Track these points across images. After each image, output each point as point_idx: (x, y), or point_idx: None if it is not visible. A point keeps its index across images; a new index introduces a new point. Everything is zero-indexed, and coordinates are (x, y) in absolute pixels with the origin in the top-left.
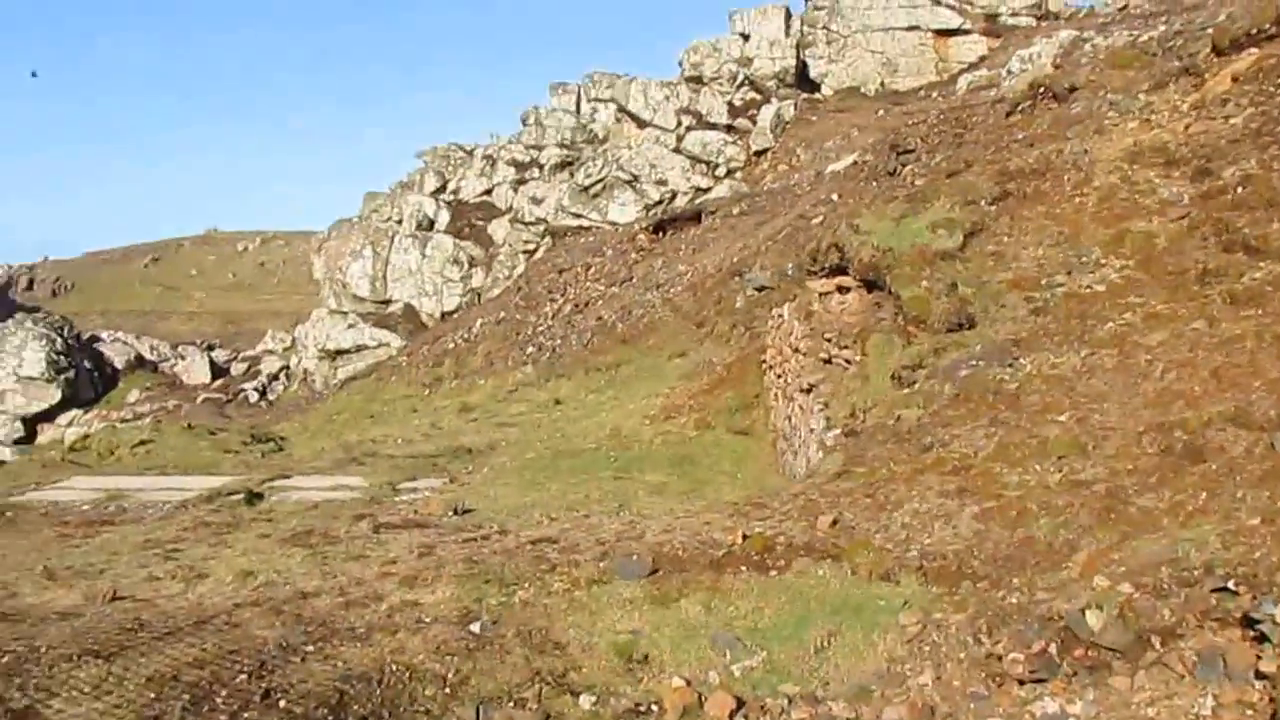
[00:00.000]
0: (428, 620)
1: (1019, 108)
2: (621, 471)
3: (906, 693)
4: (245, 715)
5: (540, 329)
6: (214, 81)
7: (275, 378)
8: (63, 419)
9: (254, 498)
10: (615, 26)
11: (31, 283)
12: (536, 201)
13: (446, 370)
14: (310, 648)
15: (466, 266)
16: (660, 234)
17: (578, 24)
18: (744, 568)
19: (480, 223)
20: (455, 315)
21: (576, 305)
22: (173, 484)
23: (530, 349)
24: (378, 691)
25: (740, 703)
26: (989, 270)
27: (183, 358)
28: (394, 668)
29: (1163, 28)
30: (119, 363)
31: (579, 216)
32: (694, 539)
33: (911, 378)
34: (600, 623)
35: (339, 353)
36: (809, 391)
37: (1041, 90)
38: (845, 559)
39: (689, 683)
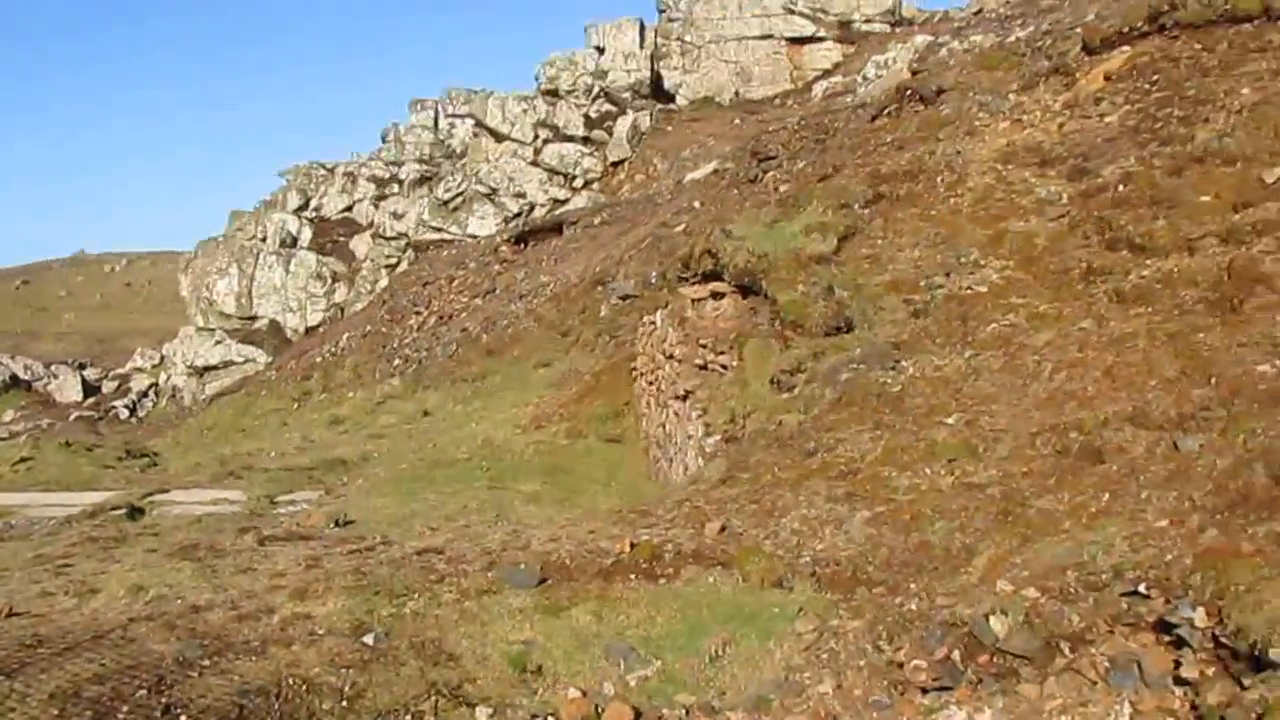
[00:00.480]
0: (320, 632)
1: (885, 111)
2: (496, 481)
3: (806, 702)
4: None
5: (406, 341)
6: (73, 98)
7: (145, 395)
8: None
9: (136, 512)
10: (474, 45)
11: None
12: (397, 217)
13: (315, 384)
14: (207, 662)
15: (330, 282)
16: (522, 245)
17: (437, 43)
18: (633, 576)
19: (343, 239)
20: (320, 330)
21: (441, 317)
22: (56, 500)
23: (397, 361)
24: (276, 705)
25: (637, 713)
26: (865, 273)
27: (55, 376)
28: (291, 681)
29: (1022, 30)
30: None
31: (439, 230)
32: (580, 548)
33: (791, 382)
34: (492, 633)
35: (207, 369)
36: (685, 398)
37: (908, 93)
38: (735, 566)
39: (585, 694)
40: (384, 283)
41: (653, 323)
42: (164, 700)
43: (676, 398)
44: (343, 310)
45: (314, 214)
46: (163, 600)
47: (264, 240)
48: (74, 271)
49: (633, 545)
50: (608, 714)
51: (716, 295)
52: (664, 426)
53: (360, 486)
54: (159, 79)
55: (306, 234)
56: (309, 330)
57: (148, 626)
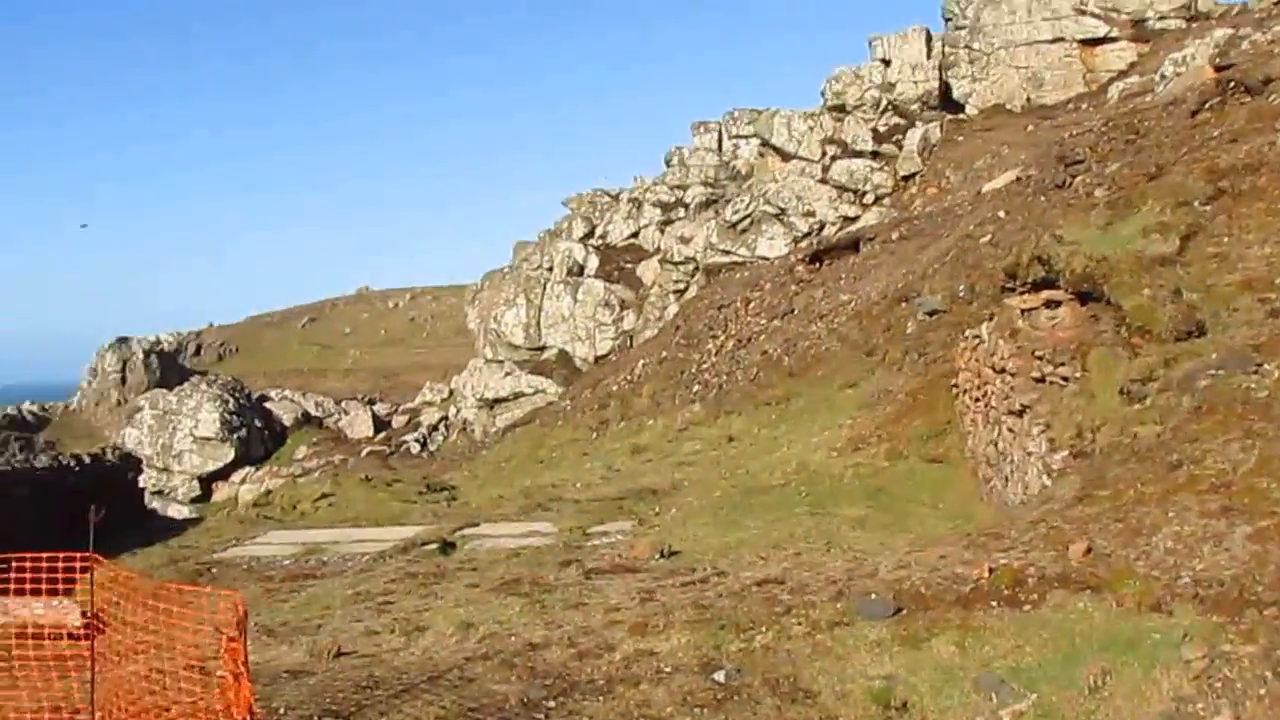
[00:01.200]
0: (668, 670)
1: (1206, 105)
2: (816, 507)
3: None
4: None
5: (704, 366)
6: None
7: (435, 428)
8: (235, 476)
9: (448, 547)
10: (756, 61)
11: (199, 348)
12: (684, 241)
13: (612, 412)
14: (552, 703)
15: (618, 309)
16: (818, 264)
17: (719, 62)
18: (994, 603)
19: (629, 265)
20: (609, 358)
21: (739, 341)
22: (365, 535)
23: (696, 387)
24: None
25: None
26: (1213, 273)
27: (346, 412)
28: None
29: None
30: (287, 420)
31: (728, 253)
32: (933, 574)
33: (1142, 392)
34: (850, 667)
35: (497, 401)
36: (1021, 413)
37: (1230, 85)
38: (1107, 590)
39: None
40: (673, 308)
41: (977, 336)
42: None
43: (1011, 413)
44: (632, 338)
45: (599, 241)
46: (495, 638)
47: (550, 270)
48: (358, 308)
49: (991, 570)
50: None
51: (1051, 304)
52: (995, 444)
53: (674, 516)
54: (437, 115)
55: (593, 262)
56: (598, 359)
57: (485, 666)
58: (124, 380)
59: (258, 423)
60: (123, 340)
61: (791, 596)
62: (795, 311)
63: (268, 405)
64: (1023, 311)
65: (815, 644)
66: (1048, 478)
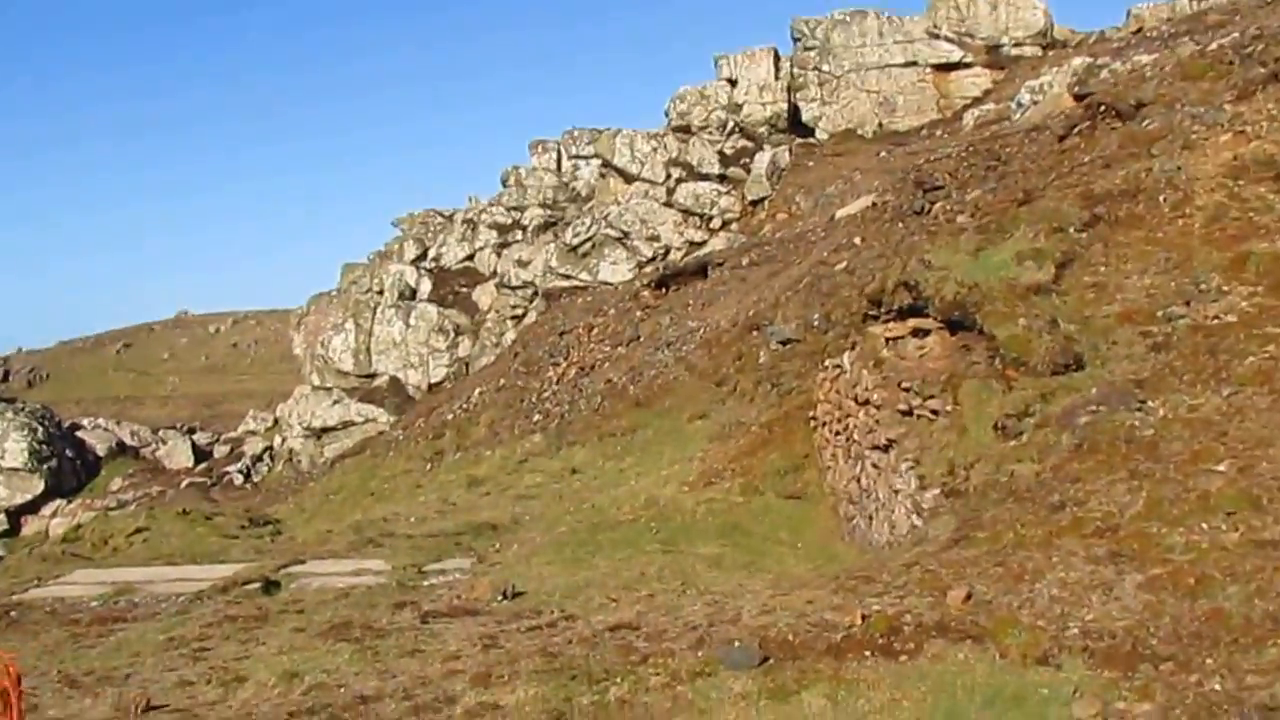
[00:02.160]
0: None
1: (1075, 130)
2: (668, 544)
3: None
4: None
5: (545, 395)
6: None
7: (260, 459)
8: (46, 509)
9: (271, 586)
10: (595, 77)
11: (6, 374)
12: (522, 264)
13: (448, 442)
14: None
15: (453, 335)
16: (664, 290)
17: (556, 75)
18: (868, 653)
19: (464, 289)
20: (444, 386)
21: (582, 368)
22: (181, 574)
23: (537, 416)
24: None
25: None
26: (1091, 304)
27: (164, 442)
28: None
29: (1201, 43)
30: (100, 450)
31: (569, 278)
32: (801, 620)
33: (1018, 428)
34: None
35: (325, 430)
36: (887, 448)
37: (1101, 109)
38: (989, 640)
39: None
40: (511, 334)
41: (837, 366)
42: None
43: (875, 448)
44: (468, 365)
45: (433, 264)
46: (322, 689)
47: (381, 293)
48: (177, 334)
49: (864, 617)
50: None
51: (919, 332)
52: (858, 480)
53: (516, 553)
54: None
55: (426, 285)
56: (432, 387)
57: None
58: None
59: (69, 453)
60: None
61: (648, 644)
62: (641, 339)
63: (80, 434)
64: (888, 340)
65: (676, 697)
66: (918, 517)
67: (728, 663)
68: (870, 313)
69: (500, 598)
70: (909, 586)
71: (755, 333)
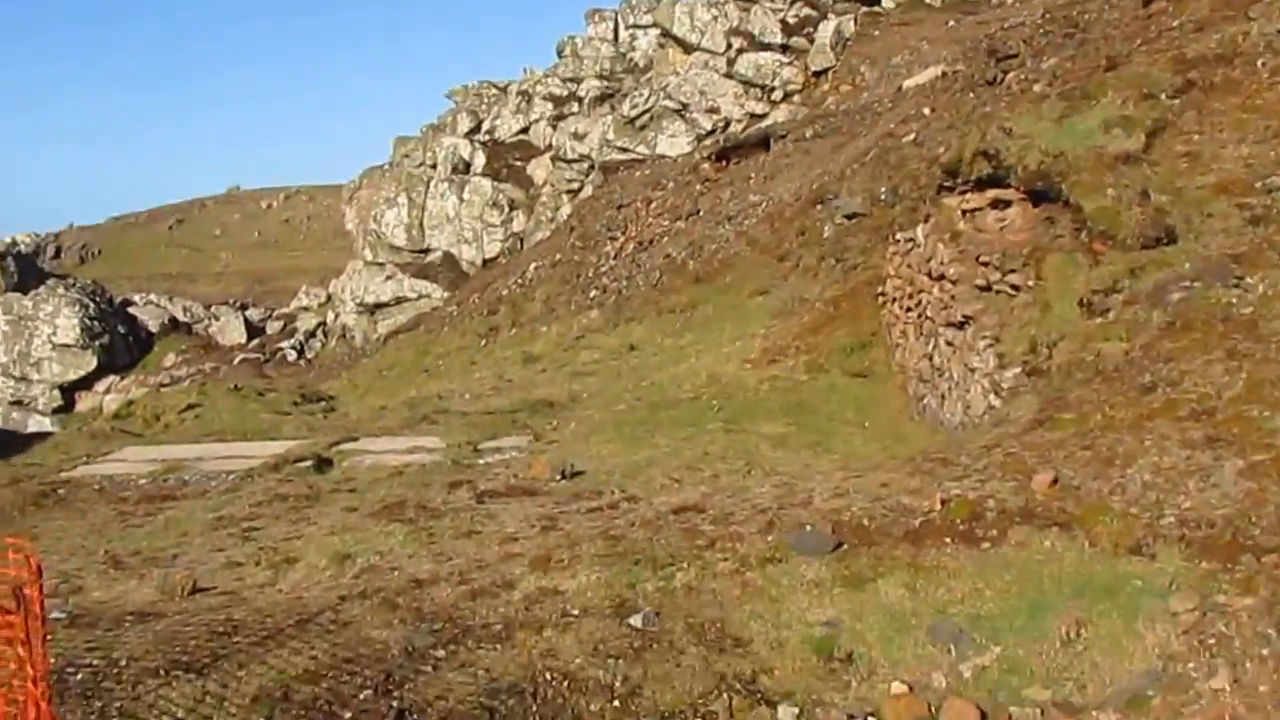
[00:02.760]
0: (575, 613)
1: None
2: (731, 423)
3: (1196, 700)
4: None
5: (602, 270)
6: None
7: (312, 335)
8: (100, 386)
9: (324, 464)
10: None
11: (59, 251)
12: (578, 137)
13: (503, 318)
14: (441, 652)
15: (507, 210)
16: (724, 163)
17: None
18: (948, 539)
19: (519, 163)
20: (498, 262)
21: (640, 243)
22: (232, 451)
23: (594, 292)
24: (533, 708)
25: (982, 714)
26: (1184, 174)
27: (217, 318)
28: (548, 676)
29: None
30: (153, 326)
31: (626, 150)
32: (876, 505)
33: (1105, 304)
34: (785, 611)
35: (378, 306)
36: (963, 325)
37: None
38: (1078, 527)
39: (911, 688)
40: (566, 209)
41: (910, 240)
42: (395, 703)
43: (950, 325)
44: (522, 241)
45: (486, 137)
46: (375, 572)
47: (434, 167)
48: (229, 209)
49: (944, 502)
50: (946, 713)
51: (999, 204)
52: (930, 359)
53: (574, 431)
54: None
55: (480, 159)
56: (486, 262)
57: (363, 606)
58: None
59: (121, 329)
60: None
61: (715, 527)
62: (701, 213)
63: (132, 310)
64: (965, 212)
65: (745, 583)
66: (996, 397)
67: (799, 548)
68: (945, 184)
69: (559, 477)
70: (990, 470)
71: (819, 207)
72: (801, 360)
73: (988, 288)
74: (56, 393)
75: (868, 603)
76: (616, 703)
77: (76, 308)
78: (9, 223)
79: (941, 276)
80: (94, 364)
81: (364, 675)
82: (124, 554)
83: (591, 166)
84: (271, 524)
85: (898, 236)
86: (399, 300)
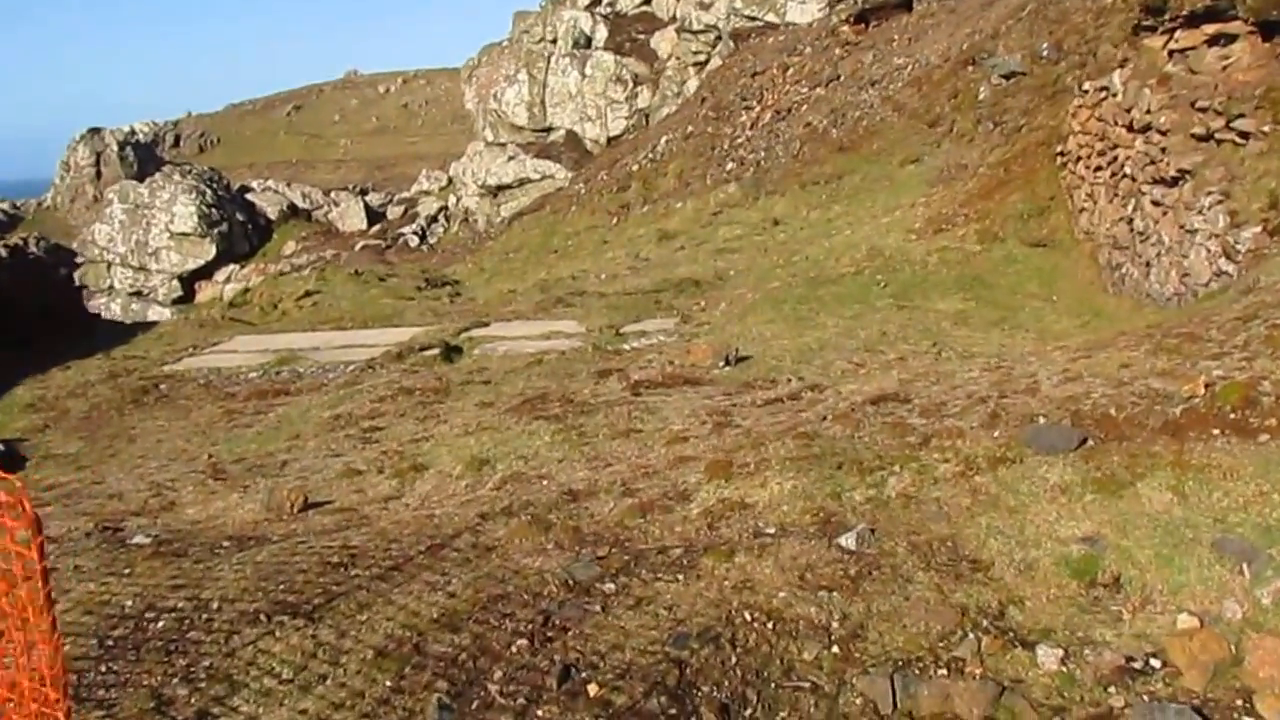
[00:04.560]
0: (771, 532)
1: None
2: (901, 299)
3: None
4: (539, 713)
5: (738, 141)
6: None
7: (434, 219)
8: (219, 275)
9: (452, 352)
10: None
11: (178, 139)
12: (704, 7)
13: (634, 195)
14: (610, 586)
15: (631, 85)
16: (865, 25)
17: None
18: (1218, 431)
19: (642, 36)
20: (624, 139)
21: (778, 112)
22: (352, 340)
23: (730, 164)
24: (733, 659)
25: None
26: None
27: (336, 204)
28: (747, 617)
29: None
30: (272, 213)
31: (754, 19)
32: (1121, 390)
33: None
34: (1030, 526)
35: (501, 188)
36: (1175, 182)
37: None
38: None
39: (1200, 620)
40: (693, 83)
41: (1102, 89)
42: (557, 657)
43: (1158, 182)
44: (647, 117)
45: (608, 9)
46: (520, 481)
47: (554, 42)
48: (347, 95)
49: (1208, 385)
50: (1255, 654)
51: (1219, 40)
52: (1130, 222)
53: (726, 311)
54: None
55: (601, 33)
56: (611, 141)
57: (508, 526)
58: (99, 174)
59: (240, 216)
60: (95, 131)
61: (926, 421)
62: (841, 78)
63: (250, 197)
64: (1173, 53)
65: (975, 490)
66: (1229, 261)
67: (1037, 445)
68: (1145, 23)
69: (722, 363)
70: (1254, 346)
71: (972, 68)
72: (972, 229)
73: (1208, 137)
74: (176, 283)
75: (1130, 512)
76: (836, 648)
77: (193, 195)
78: (130, 111)
79: (1147, 128)
80: (213, 252)
81: (516, 619)
82: (228, 460)
83: (718, 37)
84: (396, 423)
85: (1084, 87)
86: (522, 182)
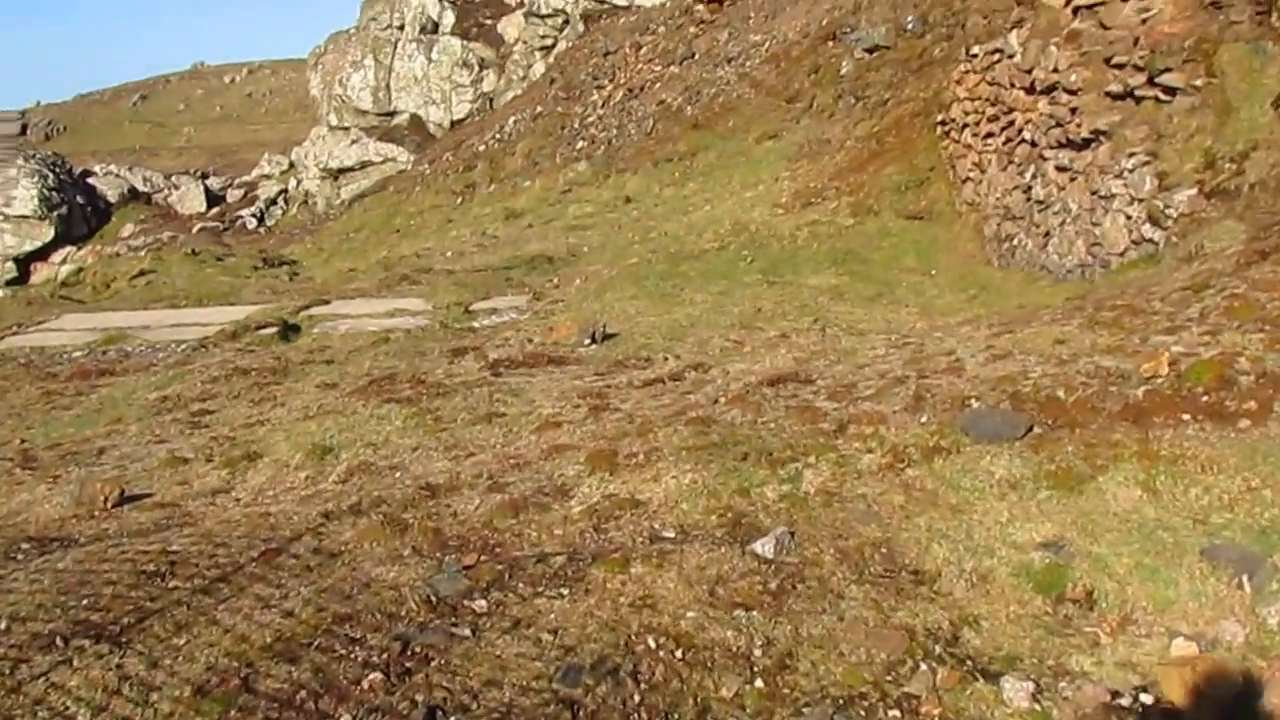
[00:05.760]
0: (671, 536)
1: None
2: (771, 274)
3: None
4: None
5: (589, 120)
6: None
7: (274, 202)
8: (56, 257)
9: (290, 330)
10: None
11: (24, 128)
12: None
13: (480, 174)
14: (481, 603)
15: (477, 70)
16: (720, 3)
17: None
18: (1188, 416)
19: (489, 21)
20: (467, 123)
21: (630, 90)
22: (185, 318)
23: (580, 143)
24: (637, 697)
25: None
26: None
27: (176, 187)
28: (650, 644)
29: None
30: (112, 196)
31: (603, 2)
32: (1066, 370)
33: None
34: (979, 529)
35: (342, 171)
36: (1086, 145)
37: None
38: None
39: (1196, 643)
40: (539, 67)
41: (995, 52)
42: (419, 696)
43: (1065, 145)
44: (492, 101)
45: None
46: (370, 473)
47: (401, 28)
48: (193, 85)
49: (1172, 364)
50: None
51: None
52: (1028, 191)
53: (581, 288)
54: None
55: (449, 18)
56: (455, 124)
57: (357, 526)
58: None
59: (80, 199)
60: None
61: (836, 404)
62: (696, 56)
63: (91, 181)
64: (1078, 10)
65: (907, 486)
66: (1153, 226)
67: (975, 432)
68: None
69: (588, 341)
70: (1213, 318)
71: (832, 43)
72: (844, 202)
73: (1126, 94)
74: (11, 264)
75: (1095, 512)
76: (761, 682)
77: (35, 178)
78: None
79: (1052, 88)
80: (51, 235)
81: (367, 646)
82: (41, 446)
83: (566, 21)
84: (228, 405)
85: (973, 51)
86: (364, 165)
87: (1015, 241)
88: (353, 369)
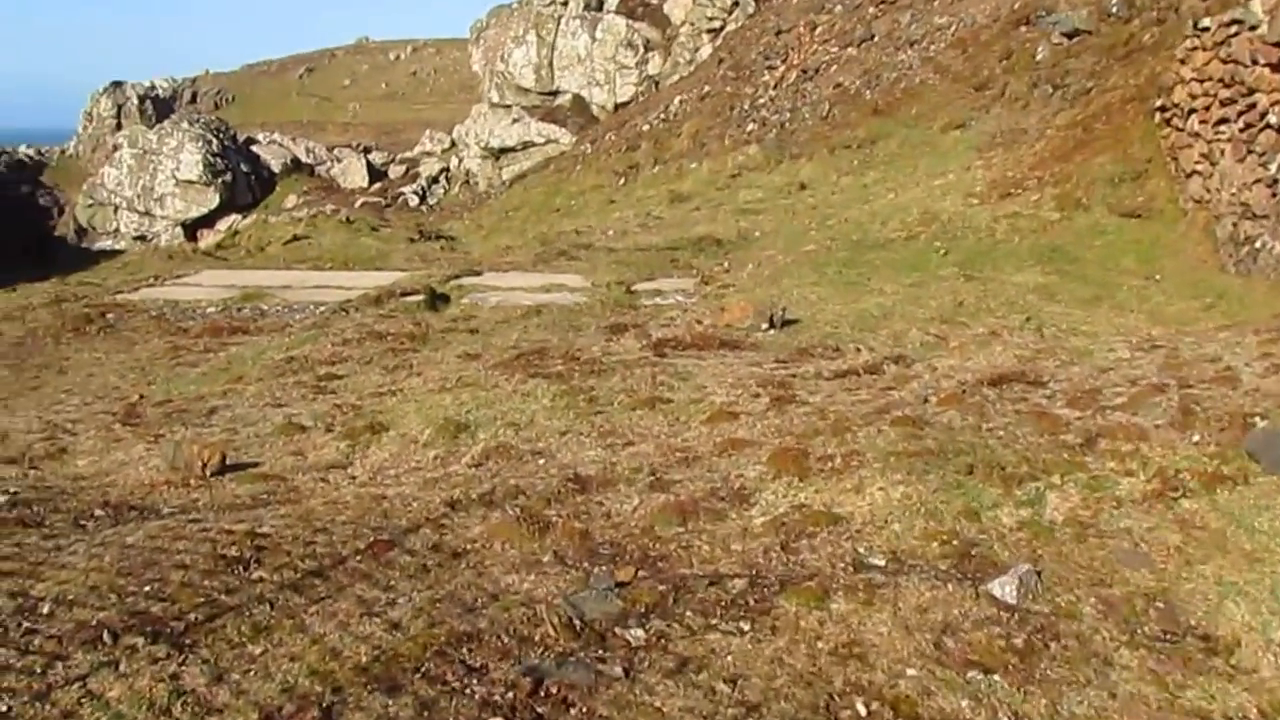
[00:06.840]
0: (881, 564)
1: None
2: (968, 269)
3: None
4: None
5: (760, 101)
6: None
7: (435, 180)
8: (221, 224)
9: (438, 299)
10: None
11: (195, 96)
12: None
13: (643, 156)
14: (638, 633)
15: (642, 51)
16: None
17: None
18: None
19: (655, 0)
20: (630, 106)
21: (804, 71)
22: (328, 280)
23: (750, 126)
24: None
25: None
26: None
27: (339, 160)
28: (861, 712)
29: None
30: (275, 166)
31: None
32: None
33: None
34: None
35: (503, 150)
36: None
37: None
38: None
39: None
40: (706, 51)
41: (1232, 23)
42: None
43: None
44: (657, 84)
45: None
46: (508, 457)
47: (565, 4)
48: (358, 60)
49: None
50: None
51: None
52: (1274, 185)
53: (753, 273)
54: None
55: None
56: (618, 107)
57: (487, 522)
58: (119, 126)
59: (244, 168)
60: (117, 85)
61: (1079, 413)
62: (876, 38)
63: (255, 150)
64: None
65: (1184, 522)
66: None
67: (1269, 459)
68: None
69: (765, 325)
70: None
71: (1025, 27)
72: (1048, 194)
73: None
74: (179, 229)
75: None
76: None
77: (200, 144)
78: (149, 70)
79: None
80: (216, 201)
81: (489, 679)
82: (149, 404)
83: (735, 2)
84: (359, 371)
85: (1203, 24)
86: (525, 145)
87: (1258, 244)
88: (499, 340)
